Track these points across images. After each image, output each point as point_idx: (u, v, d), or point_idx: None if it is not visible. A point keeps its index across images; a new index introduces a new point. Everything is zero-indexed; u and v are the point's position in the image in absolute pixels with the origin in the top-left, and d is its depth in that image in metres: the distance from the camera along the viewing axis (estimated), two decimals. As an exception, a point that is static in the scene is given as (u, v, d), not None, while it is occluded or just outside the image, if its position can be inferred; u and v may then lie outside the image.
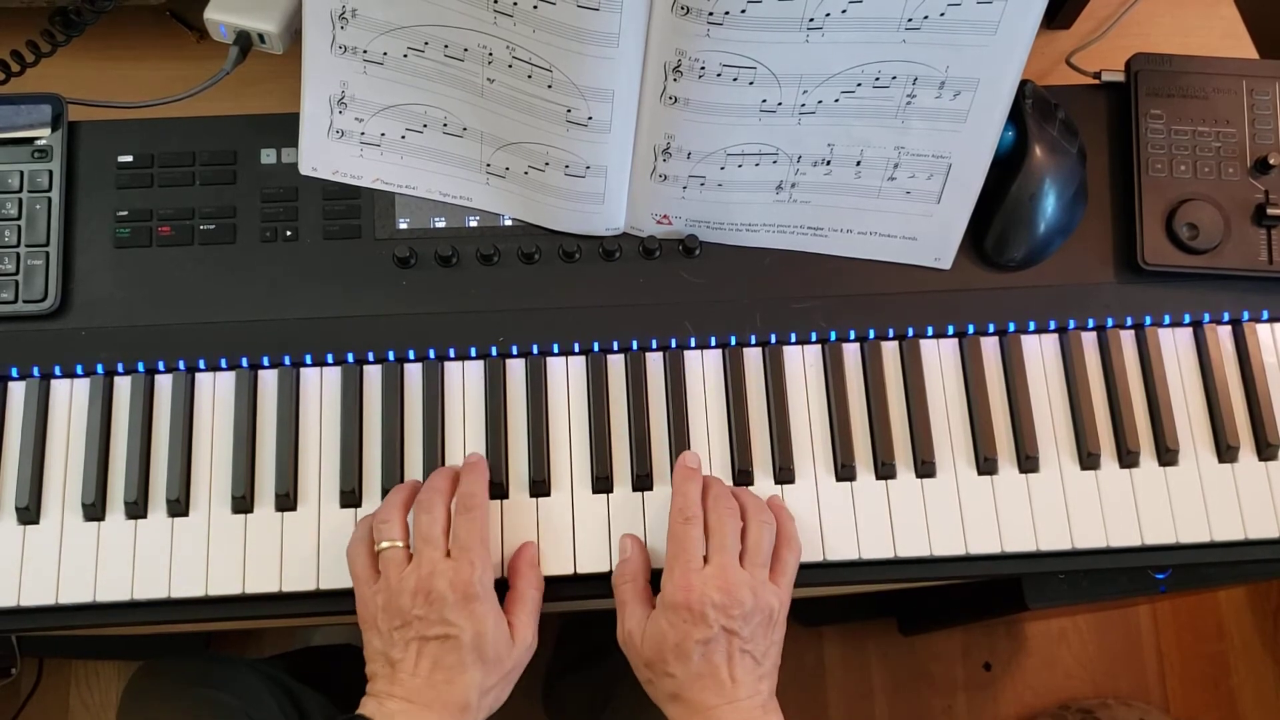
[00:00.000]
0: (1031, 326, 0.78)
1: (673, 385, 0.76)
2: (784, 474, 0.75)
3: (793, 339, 0.77)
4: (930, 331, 0.78)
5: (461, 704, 0.65)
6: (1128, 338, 0.78)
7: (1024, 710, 1.52)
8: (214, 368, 0.76)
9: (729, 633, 0.66)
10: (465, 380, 0.76)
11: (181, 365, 0.75)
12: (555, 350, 0.77)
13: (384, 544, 0.68)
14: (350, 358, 0.76)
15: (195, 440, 0.74)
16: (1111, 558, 0.74)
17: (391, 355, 0.76)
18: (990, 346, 0.78)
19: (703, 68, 0.68)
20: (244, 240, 0.77)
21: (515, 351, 0.77)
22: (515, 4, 0.67)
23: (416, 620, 0.65)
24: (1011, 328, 0.78)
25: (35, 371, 0.75)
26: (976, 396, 0.76)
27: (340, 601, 0.70)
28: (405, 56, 0.72)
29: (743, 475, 0.74)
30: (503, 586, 0.71)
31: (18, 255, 0.75)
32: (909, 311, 0.78)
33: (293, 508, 0.73)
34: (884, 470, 0.75)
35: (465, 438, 0.75)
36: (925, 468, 0.75)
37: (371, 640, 0.67)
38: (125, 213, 0.77)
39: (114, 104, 0.79)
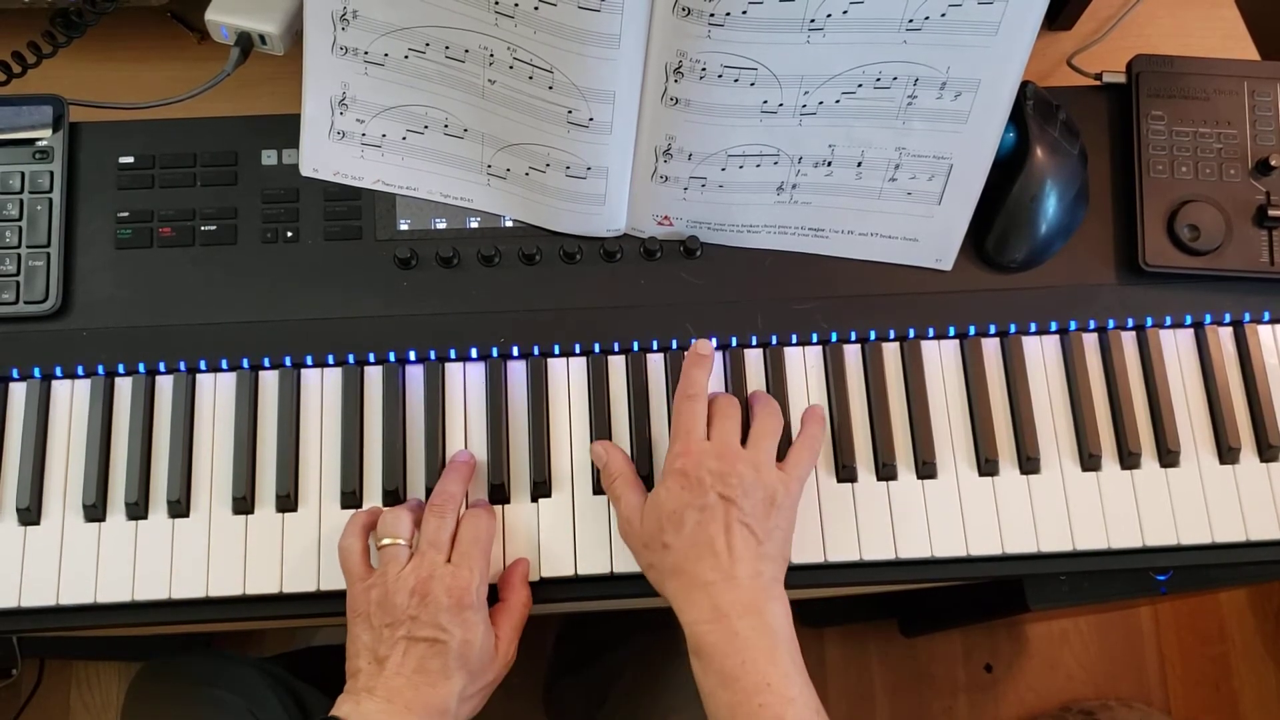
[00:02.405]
0: (1033, 328, 0.78)
1: (674, 386, 0.76)
2: (785, 475, 0.74)
3: (794, 340, 0.77)
4: (931, 332, 0.78)
5: (440, 709, 0.65)
6: (1129, 339, 0.78)
7: (1025, 712, 1.52)
8: (215, 369, 0.76)
9: (725, 500, 0.66)
10: (466, 381, 0.76)
11: (182, 366, 0.75)
12: (556, 351, 0.77)
13: (387, 540, 0.68)
14: (351, 359, 0.76)
15: (196, 441, 0.74)
16: (1113, 559, 0.74)
17: (392, 356, 0.76)
18: (991, 347, 0.78)
19: (704, 69, 0.68)
20: (245, 241, 0.77)
21: (516, 352, 0.77)
22: (516, 5, 0.67)
23: (409, 620, 0.65)
24: (1012, 329, 0.78)
25: (36, 372, 0.75)
26: (977, 397, 0.76)
27: (341, 603, 0.70)
28: (406, 58, 0.72)
29: (744, 476, 0.74)
30: (491, 592, 0.71)
31: (19, 256, 0.75)
32: (910, 312, 0.78)
33: (293, 509, 0.73)
34: (885, 471, 0.75)
35: (466, 439, 0.75)
36: (926, 469, 0.75)
37: (360, 635, 0.67)
38: (126, 214, 0.77)
39: (115, 105, 0.79)
